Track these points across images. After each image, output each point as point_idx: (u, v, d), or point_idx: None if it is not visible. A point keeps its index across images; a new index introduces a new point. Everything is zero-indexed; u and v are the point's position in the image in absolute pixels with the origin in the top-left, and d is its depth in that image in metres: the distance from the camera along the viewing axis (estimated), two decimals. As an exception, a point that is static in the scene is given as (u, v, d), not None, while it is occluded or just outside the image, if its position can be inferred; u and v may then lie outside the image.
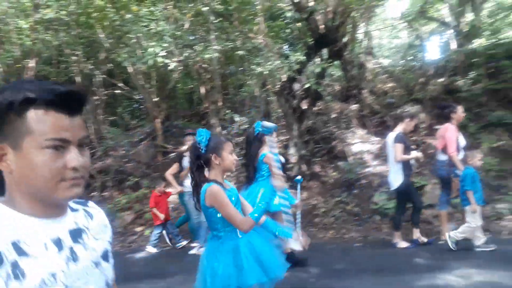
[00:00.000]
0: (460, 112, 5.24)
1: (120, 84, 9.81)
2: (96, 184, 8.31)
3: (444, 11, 11.55)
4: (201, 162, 2.45)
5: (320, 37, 7.33)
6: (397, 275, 4.26)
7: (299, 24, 9.13)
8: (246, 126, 9.59)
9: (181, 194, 5.87)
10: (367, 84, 9.18)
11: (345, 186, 7.25)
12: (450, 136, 5.02)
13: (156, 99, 9.49)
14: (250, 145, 4.30)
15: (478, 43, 9.48)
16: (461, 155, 5.03)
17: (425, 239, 5.24)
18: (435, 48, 13.30)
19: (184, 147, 5.94)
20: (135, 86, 9.59)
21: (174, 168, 5.96)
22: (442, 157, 5.21)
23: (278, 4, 7.87)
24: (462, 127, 7.34)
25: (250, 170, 4.30)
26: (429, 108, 8.21)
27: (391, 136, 5.21)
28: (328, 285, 4.21)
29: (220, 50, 7.75)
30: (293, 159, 7.56)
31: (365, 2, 8.02)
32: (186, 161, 5.55)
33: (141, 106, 11.26)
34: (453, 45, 10.06)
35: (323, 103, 9.17)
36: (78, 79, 9.27)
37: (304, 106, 8.02)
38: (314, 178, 7.69)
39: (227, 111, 9.65)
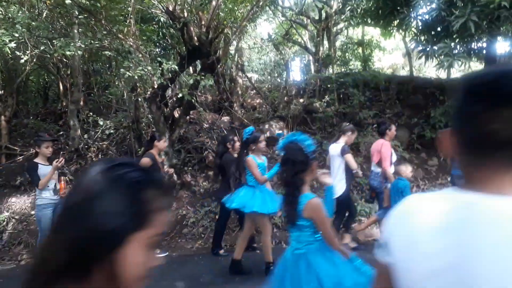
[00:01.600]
0: (393, 130, 5.75)
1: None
2: None
3: (306, 38, 12.89)
4: (299, 169, 2.39)
5: (193, 49, 7.34)
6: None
7: (172, 31, 8.99)
8: (112, 130, 8.94)
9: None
10: (238, 98, 9.56)
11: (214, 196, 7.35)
12: (385, 151, 5.44)
13: (0, 92, 8.13)
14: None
15: (332, 70, 10.84)
16: (392, 168, 5.46)
17: (354, 244, 5.56)
18: (298, 69, 14.72)
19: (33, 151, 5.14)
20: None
21: None
22: (376, 169, 5.63)
23: (152, 10, 7.60)
24: (319, 145, 8.27)
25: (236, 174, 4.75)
26: (290, 125, 8.98)
27: (335, 148, 5.43)
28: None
29: (84, 48, 7.07)
30: (164, 168, 7.33)
31: (238, 20, 8.38)
32: (43, 169, 4.84)
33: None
34: (313, 69, 11.27)
35: (195, 113, 9.18)
36: None
37: (176, 114, 7.89)
38: (184, 187, 7.61)
39: (90, 113, 8.86)
